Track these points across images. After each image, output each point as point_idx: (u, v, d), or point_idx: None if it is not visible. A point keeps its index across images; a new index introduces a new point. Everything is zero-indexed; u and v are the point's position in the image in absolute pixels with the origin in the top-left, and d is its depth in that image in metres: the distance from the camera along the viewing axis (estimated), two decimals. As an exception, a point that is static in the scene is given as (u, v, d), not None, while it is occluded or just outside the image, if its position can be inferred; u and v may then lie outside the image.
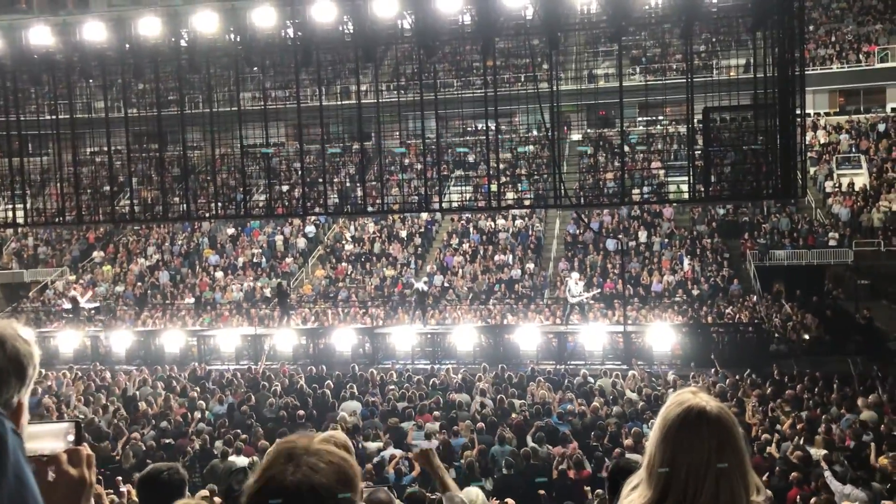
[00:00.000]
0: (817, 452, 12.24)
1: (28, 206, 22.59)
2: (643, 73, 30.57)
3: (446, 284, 28.64)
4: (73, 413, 16.25)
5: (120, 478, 11.74)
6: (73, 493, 1.76)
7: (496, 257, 29.77)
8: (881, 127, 32.65)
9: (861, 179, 30.67)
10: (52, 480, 1.74)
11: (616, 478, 3.53)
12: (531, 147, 32.67)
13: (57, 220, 22.51)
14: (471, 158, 31.98)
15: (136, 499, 8.53)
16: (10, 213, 22.68)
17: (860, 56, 34.18)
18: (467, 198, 25.10)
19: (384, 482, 11.57)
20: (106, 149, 22.05)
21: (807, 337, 21.71)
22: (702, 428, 2.01)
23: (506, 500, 9.34)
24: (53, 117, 21.72)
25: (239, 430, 14.67)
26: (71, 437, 1.84)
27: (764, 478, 10.84)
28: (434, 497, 7.19)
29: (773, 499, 10.20)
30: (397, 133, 23.44)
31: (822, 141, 32.77)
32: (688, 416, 2.03)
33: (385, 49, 25.23)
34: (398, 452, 13.06)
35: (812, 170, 30.85)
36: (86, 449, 1.82)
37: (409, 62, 25.03)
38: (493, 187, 21.10)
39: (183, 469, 3.88)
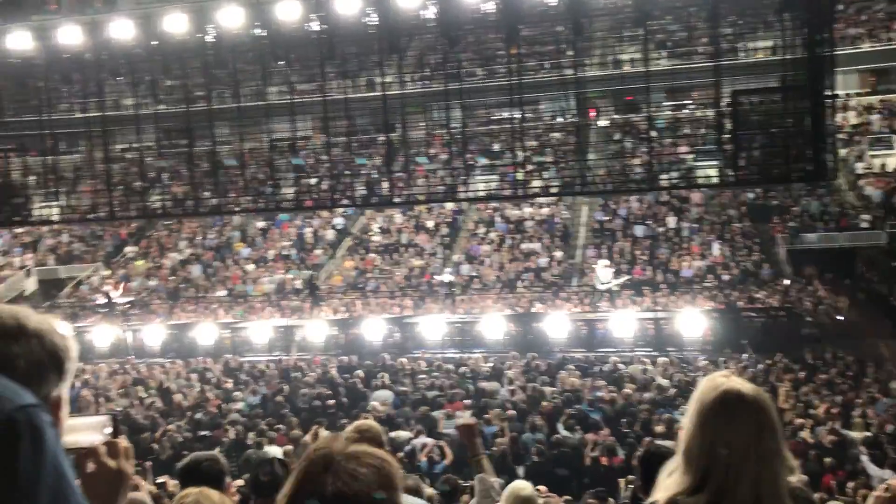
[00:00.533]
0: (858, 436, 12.16)
1: (62, 203, 22.96)
2: (669, 58, 30.28)
3: (473, 273, 28.68)
4: (110, 406, 16.57)
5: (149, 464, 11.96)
6: (111, 485, 1.80)
7: (523, 245, 29.74)
8: (914, 106, 32.08)
9: (893, 160, 30.14)
10: (91, 472, 1.78)
11: (648, 464, 3.55)
12: (557, 134, 32.51)
13: (90, 216, 22.87)
14: (496, 147, 31.91)
15: (172, 490, 8.70)
16: (45, 211, 23.09)
17: (892, 34, 33.54)
18: (493, 186, 25.08)
19: (416, 471, 11.69)
20: (136, 145, 22.34)
21: (840, 319, 21.48)
22: (740, 411, 2.01)
23: (538, 487, 9.39)
24: (84, 115, 22.02)
25: (272, 420, 14.88)
26: (108, 430, 1.87)
27: (797, 463, 10.79)
28: (466, 485, 7.26)
29: (809, 483, 10.16)
30: (423, 124, 23.47)
31: (853, 122, 32.25)
32: (725, 399, 2.03)
33: (409, 40, 25.23)
34: (430, 441, 13.17)
35: (843, 151, 30.38)
36: (123, 441, 1.86)
37: (433, 52, 24.99)
38: (519, 175, 21.06)
39: (223, 459, 3.97)
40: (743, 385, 2.06)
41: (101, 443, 1.82)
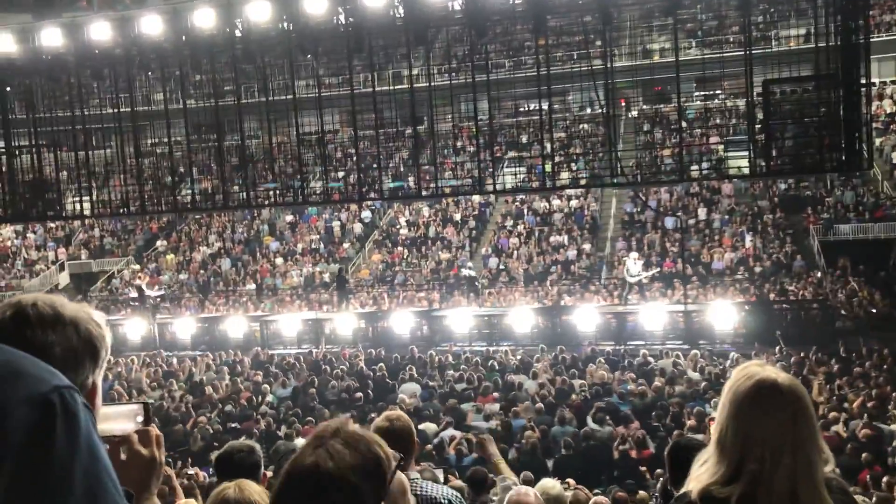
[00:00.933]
0: (894, 430, 11.97)
1: (94, 197, 23.24)
2: (699, 47, 29.93)
3: (501, 266, 28.61)
4: (142, 398, 16.76)
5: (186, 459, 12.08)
6: (144, 472, 1.84)
7: (551, 238, 29.60)
8: (951, 94, 31.42)
9: (930, 149, 29.57)
10: (124, 460, 1.82)
11: (676, 457, 3.50)
12: (586, 125, 32.31)
13: (121, 210, 23.13)
14: (524, 139, 31.79)
15: (202, 481, 8.77)
16: (77, 206, 23.38)
17: (928, 21, 32.87)
18: (521, 179, 24.97)
19: (445, 463, 11.69)
20: (166, 140, 22.54)
21: (874, 311, 21.12)
22: (775, 401, 1.99)
23: (566, 479, 9.34)
24: (115, 111, 22.26)
25: (300, 412, 14.97)
26: (140, 418, 1.91)
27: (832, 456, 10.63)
28: (497, 477, 7.24)
29: (845, 478, 10.01)
30: (450, 116, 23.40)
31: (889, 110, 31.66)
32: (760, 389, 2.01)
33: (436, 32, 25.19)
34: (458, 433, 13.16)
35: (878, 141, 29.84)
36: (155, 429, 1.89)
37: (461, 44, 24.91)
38: (548, 167, 20.95)
39: (259, 450, 3.98)
40: (778, 374, 2.04)
41: (133, 431, 1.85)
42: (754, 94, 18.24)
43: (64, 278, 33.16)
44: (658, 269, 24.85)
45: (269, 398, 16.97)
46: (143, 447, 1.84)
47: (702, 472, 2.06)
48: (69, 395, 1.25)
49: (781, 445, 1.95)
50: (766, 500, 1.94)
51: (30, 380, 1.22)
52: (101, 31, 20.42)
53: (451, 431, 13.39)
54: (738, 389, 2.04)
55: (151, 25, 20.17)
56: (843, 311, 21.26)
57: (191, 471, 9.04)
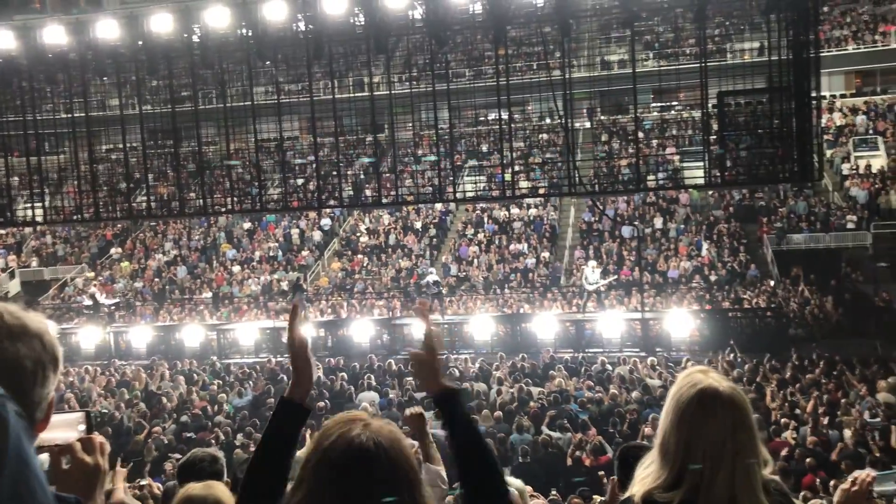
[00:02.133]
0: (842, 435, 12.22)
1: (46, 204, 22.79)
2: (656, 59, 30.39)
3: (461, 274, 28.66)
4: (95, 409, 16.44)
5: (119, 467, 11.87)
6: (87, 481, 1.83)
7: (511, 246, 29.75)
8: (899, 108, 32.30)
9: (878, 161, 30.36)
10: (67, 468, 1.81)
11: (625, 461, 3.54)
12: (545, 135, 32.58)
13: (75, 217, 22.71)
14: (484, 148, 31.94)
15: (156, 491, 8.62)
16: (29, 212, 22.91)
17: (876, 36, 33.80)
18: (481, 187, 25.07)
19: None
20: (121, 146, 22.21)
21: (825, 319, 21.58)
22: (717, 408, 2.02)
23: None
24: (69, 116, 21.88)
25: (258, 422, 14.80)
26: (82, 427, 1.91)
27: (782, 462, 10.83)
28: (454, 486, 7.22)
29: (792, 484, 10.20)
30: (410, 124, 23.43)
31: (839, 123, 32.45)
32: (702, 397, 2.04)
33: (396, 40, 25.22)
34: (415, 443, 13.11)
35: (829, 152, 30.56)
36: (98, 437, 1.88)
37: (421, 53, 24.99)
38: (507, 176, 21.07)
39: (222, 458, 3.93)
40: (720, 382, 2.07)
41: (76, 439, 1.84)
42: (709, 105, 18.57)
43: (14, 286, 32.42)
44: (615, 278, 25.11)
45: (226, 408, 16.76)
46: (87, 455, 1.83)
47: (645, 476, 2.09)
48: (0, 403, 1.25)
49: (722, 452, 1.99)
50: None
51: None
52: (54, 35, 20.07)
53: (409, 441, 13.36)
54: (682, 397, 2.07)
55: (107, 30, 19.88)
56: (795, 319, 21.69)
57: (144, 482, 8.89)
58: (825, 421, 12.97)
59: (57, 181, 25.03)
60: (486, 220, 31.51)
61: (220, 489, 3.12)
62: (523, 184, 25.72)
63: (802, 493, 9.07)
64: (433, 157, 22.56)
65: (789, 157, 17.34)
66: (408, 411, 4.36)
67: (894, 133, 31.25)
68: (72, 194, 22.52)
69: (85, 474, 1.82)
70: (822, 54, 19.51)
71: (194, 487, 3.15)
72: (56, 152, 26.78)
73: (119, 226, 34.70)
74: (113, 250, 34.00)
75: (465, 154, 31.41)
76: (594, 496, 9.33)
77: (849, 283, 25.43)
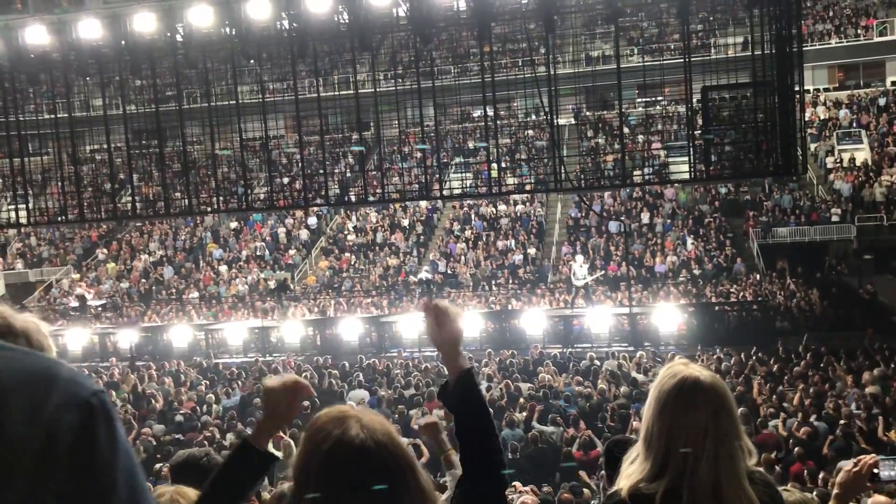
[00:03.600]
0: (829, 427, 12.29)
1: (30, 205, 22.62)
2: (641, 54, 30.47)
3: (449, 271, 28.68)
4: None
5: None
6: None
7: (499, 243, 29.78)
8: (881, 101, 32.55)
9: (862, 154, 30.59)
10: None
11: (612, 453, 3.56)
12: (531, 131, 32.62)
13: (60, 218, 22.54)
14: (471, 144, 31.95)
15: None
16: (13, 214, 22.74)
17: (859, 30, 34.02)
18: (468, 184, 25.08)
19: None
20: (106, 146, 22.07)
21: (812, 311, 21.72)
22: (697, 397, 2.05)
23: (513, 483, 9.40)
24: (52, 116, 21.73)
25: (248, 421, 14.76)
26: None
27: (773, 455, 10.90)
28: (442, 482, 7.23)
29: (779, 474, 10.26)
30: (396, 122, 23.38)
31: (823, 117, 32.67)
32: (683, 386, 2.07)
33: (381, 38, 25.19)
34: (405, 440, 13.11)
35: (813, 146, 30.77)
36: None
37: (406, 50, 24.96)
38: (494, 173, 21.09)
39: (217, 457, 3.90)
40: (700, 372, 2.11)
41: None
42: (694, 100, 18.64)
43: (-1, 288, 32.19)
44: (602, 273, 25.19)
45: (215, 408, 16.70)
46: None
47: (631, 469, 2.12)
48: (106, 398, 1.26)
49: (704, 439, 2.02)
50: (690, 494, 2.00)
51: (69, 384, 1.21)
52: (37, 35, 19.92)
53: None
54: (663, 387, 2.11)
55: (90, 29, 19.74)
56: (781, 312, 21.82)
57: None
58: (812, 412, 13.06)
59: (41, 182, 24.86)
60: (473, 216, 31.53)
61: (190, 495, 3.08)
62: (510, 180, 25.76)
63: (790, 483, 9.13)
64: (424, 146, 22.51)
65: (773, 151, 17.44)
66: (421, 421, 4.29)
67: (877, 126, 31.48)
68: (56, 195, 22.36)
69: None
70: (805, 48, 19.64)
71: (164, 493, 3.10)
72: (40, 153, 26.58)
73: (104, 227, 34.50)
74: (99, 251, 33.81)
75: (451, 151, 31.41)
76: (584, 490, 9.37)
77: (834, 275, 25.62)
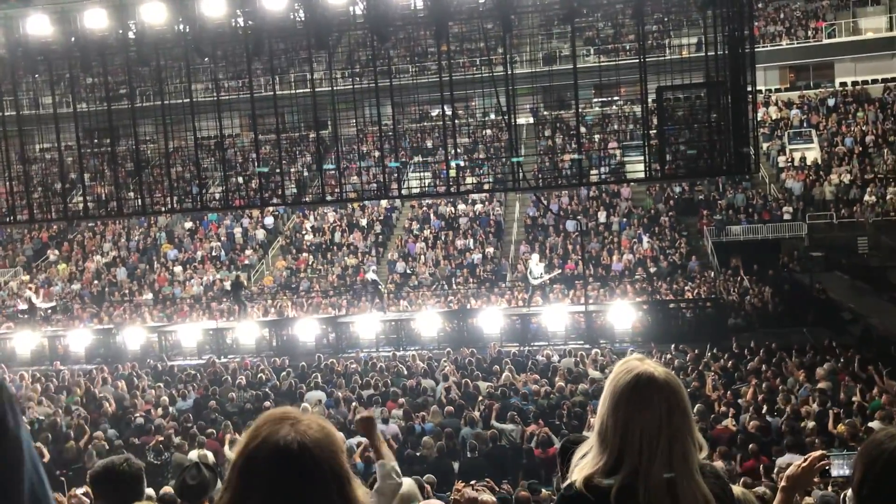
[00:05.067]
0: (781, 422, 12.50)
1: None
2: (597, 55, 30.73)
3: (408, 271, 28.62)
4: (33, 415, 15.95)
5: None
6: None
7: (457, 242, 29.81)
8: (831, 101, 33.28)
9: (812, 154, 31.25)
10: None
11: (567, 451, 3.57)
12: (489, 131, 32.71)
13: (8, 219, 22.00)
14: (429, 144, 31.94)
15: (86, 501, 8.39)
16: (-42, 214, 22.14)
17: (809, 32, 34.74)
18: (427, 184, 25.06)
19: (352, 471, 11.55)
20: (56, 145, 21.59)
21: (764, 308, 22.11)
22: (652, 393, 2.07)
23: (470, 482, 9.39)
24: (-1, 114, 21.20)
25: (203, 424, 14.57)
26: None
27: (723, 447, 11.06)
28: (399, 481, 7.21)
29: (732, 468, 10.41)
30: (353, 121, 23.25)
31: (774, 116, 33.30)
32: (638, 382, 2.09)
33: (338, 36, 25.04)
34: (364, 440, 13.03)
35: (765, 145, 31.35)
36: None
37: (363, 49, 24.83)
38: (452, 172, 21.08)
39: (137, 461, 3.81)
40: (655, 368, 2.13)
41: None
42: (649, 100, 18.84)
43: (-55, 291, 31.30)
44: (559, 271, 25.35)
45: (169, 410, 16.44)
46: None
47: (584, 463, 2.12)
48: (6, 384, 1.37)
49: (658, 434, 2.03)
50: (645, 489, 2.01)
51: None
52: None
53: (357, 438, 13.26)
54: (618, 383, 2.12)
55: (39, 25, 19.30)
56: (735, 309, 22.18)
57: (81, 490, 8.64)
58: (765, 408, 13.29)
59: (-12, 182, 24.21)
60: (432, 216, 31.51)
61: None
62: (469, 180, 25.79)
63: (742, 479, 9.28)
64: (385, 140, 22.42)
65: (726, 151, 17.71)
66: (357, 416, 4.43)
67: (827, 126, 32.17)
68: (4, 196, 21.81)
69: None
70: (756, 49, 19.97)
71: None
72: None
73: (55, 227, 33.77)
74: (49, 252, 33.08)
75: (409, 150, 31.35)
76: (542, 489, 9.40)
77: (786, 273, 26.12)
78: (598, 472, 2.07)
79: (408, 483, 5.36)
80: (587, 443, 2.17)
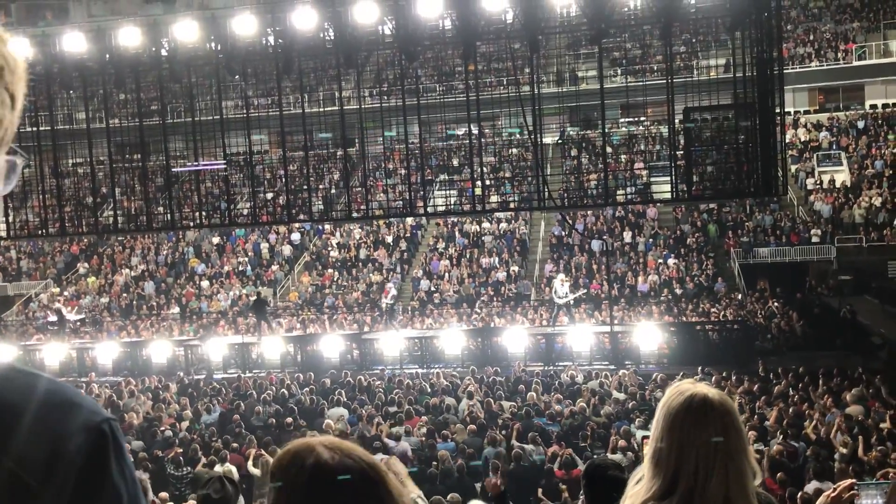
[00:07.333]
0: (809, 447, 12.33)
1: (10, 218, 22.43)
2: (624, 75, 30.74)
3: (433, 289, 28.65)
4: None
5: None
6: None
7: (482, 260, 29.82)
8: (860, 124, 32.97)
9: (841, 176, 30.94)
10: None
11: (592, 478, 3.55)
12: (515, 150, 32.78)
13: (40, 232, 22.38)
14: (455, 162, 32.06)
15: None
16: (-7, 227, 22.57)
17: (838, 54, 34.50)
18: (452, 202, 25.14)
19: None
20: (88, 160, 21.97)
21: (792, 331, 21.85)
22: (707, 414, 2.06)
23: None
24: (34, 129, 21.60)
25: (228, 438, 14.64)
26: None
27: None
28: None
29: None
30: (380, 139, 23.44)
31: (803, 139, 33.03)
32: (691, 404, 2.08)
33: (367, 55, 25.31)
34: (385, 457, 13.04)
35: (793, 167, 31.10)
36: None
37: (391, 68, 25.06)
38: (478, 191, 21.16)
39: (229, 488, 3.84)
40: (708, 389, 2.13)
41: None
42: (676, 121, 18.81)
43: (-23, 302, 31.84)
44: (585, 291, 25.26)
45: (194, 424, 16.55)
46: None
47: (637, 489, 2.12)
48: (116, 426, 1.32)
49: (714, 456, 2.03)
50: None
51: (84, 410, 1.27)
52: (20, 48, 19.73)
53: (379, 456, 13.27)
54: (671, 405, 2.11)
55: (74, 43, 19.70)
56: (761, 332, 21.94)
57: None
58: (791, 432, 13.11)
59: (21, 195, 24.67)
60: (456, 234, 31.57)
61: None
62: (494, 198, 25.85)
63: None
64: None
65: (754, 172, 17.62)
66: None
67: (856, 149, 31.87)
68: (37, 209, 22.20)
69: None
70: (785, 71, 19.90)
71: None
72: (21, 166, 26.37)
73: (85, 241, 34.26)
74: (79, 265, 33.54)
75: (435, 169, 31.49)
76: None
77: (814, 296, 25.81)
78: (653, 496, 2.06)
79: None
80: (640, 468, 2.16)
